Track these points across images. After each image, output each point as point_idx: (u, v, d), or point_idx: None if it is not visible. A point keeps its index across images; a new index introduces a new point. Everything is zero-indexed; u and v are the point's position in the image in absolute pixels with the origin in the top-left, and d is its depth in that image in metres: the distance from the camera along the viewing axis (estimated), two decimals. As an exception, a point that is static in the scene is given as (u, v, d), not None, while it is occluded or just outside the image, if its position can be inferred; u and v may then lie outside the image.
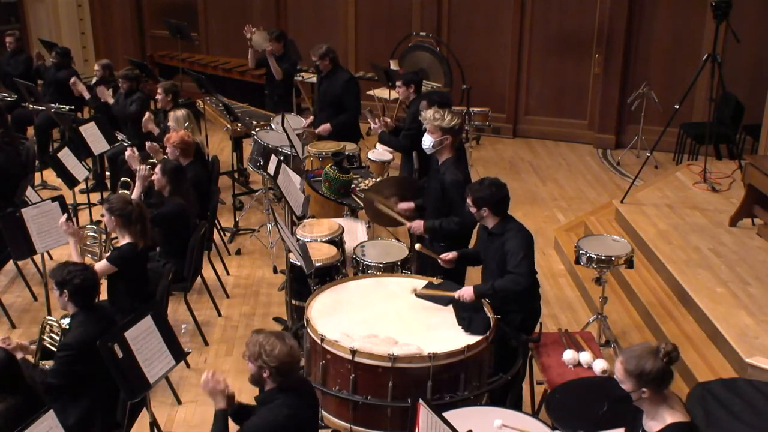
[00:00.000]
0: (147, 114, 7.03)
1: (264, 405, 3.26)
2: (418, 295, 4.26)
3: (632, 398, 2.99)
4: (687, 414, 2.99)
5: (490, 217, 4.27)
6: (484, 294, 4.16)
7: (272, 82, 8.09)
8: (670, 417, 2.95)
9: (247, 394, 4.80)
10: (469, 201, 4.27)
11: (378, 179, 6.01)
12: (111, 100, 7.70)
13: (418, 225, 4.99)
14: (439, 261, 4.50)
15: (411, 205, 5.23)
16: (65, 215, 4.94)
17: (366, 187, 5.80)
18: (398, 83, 6.41)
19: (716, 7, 6.61)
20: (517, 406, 4.20)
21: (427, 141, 4.83)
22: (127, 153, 5.93)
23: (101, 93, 7.74)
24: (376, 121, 6.33)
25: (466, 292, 4.15)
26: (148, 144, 6.40)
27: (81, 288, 3.86)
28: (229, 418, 3.39)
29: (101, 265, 4.61)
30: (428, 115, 4.82)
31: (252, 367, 3.24)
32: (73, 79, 7.97)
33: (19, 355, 3.88)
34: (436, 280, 4.41)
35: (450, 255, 4.48)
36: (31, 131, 8.71)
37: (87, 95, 8.00)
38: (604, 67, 9.47)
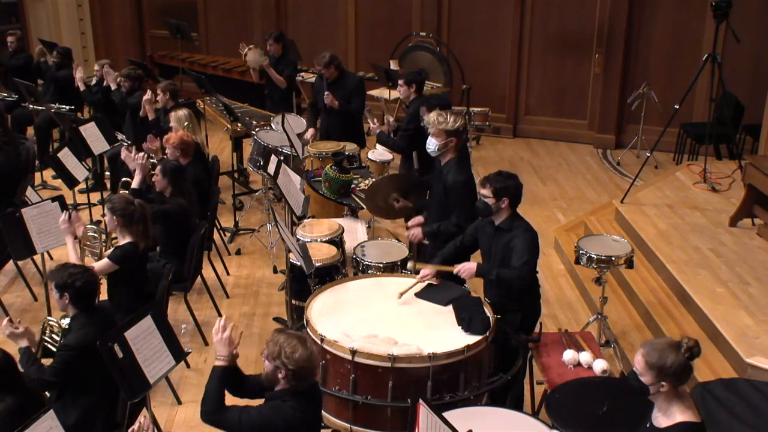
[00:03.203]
0: (148, 93, 7.01)
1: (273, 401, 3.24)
2: (418, 295, 4.27)
3: (649, 391, 2.99)
4: (698, 415, 2.99)
5: (505, 210, 4.27)
6: (485, 275, 4.20)
7: (272, 83, 8.09)
8: (681, 415, 2.96)
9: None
10: (487, 192, 4.24)
11: (379, 177, 5.99)
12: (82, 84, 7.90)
13: (417, 232, 4.99)
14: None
15: (420, 219, 5.18)
16: (65, 214, 4.89)
17: (365, 187, 5.80)
18: (400, 82, 6.40)
19: (716, 7, 6.61)
20: (517, 406, 4.20)
21: (432, 144, 4.81)
22: (123, 153, 5.90)
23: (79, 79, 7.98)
24: (375, 121, 6.33)
25: (468, 268, 4.19)
26: (149, 137, 6.40)
27: (82, 291, 3.85)
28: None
29: (102, 264, 4.61)
30: (431, 118, 4.79)
31: (268, 366, 3.20)
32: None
33: (24, 343, 3.87)
34: (435, 281, 4.41)
35: (427, 273, 4.36)
36: (31, 131, 8.71)
37: (82, 87, 8.02)
38: (604, 67, 9.47)
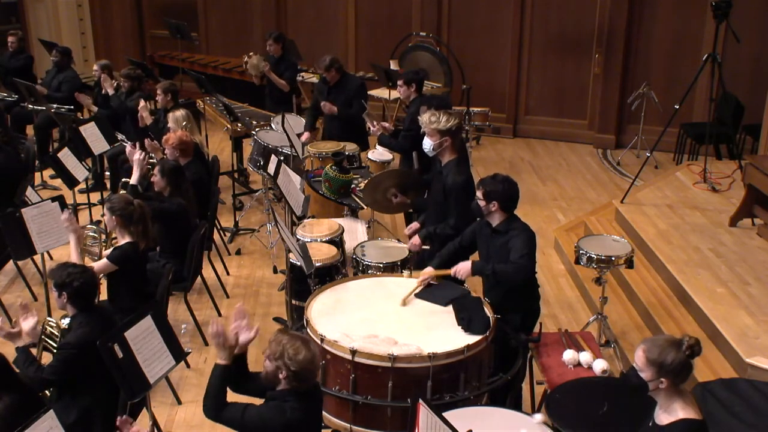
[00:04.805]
0: (142, 102, 7.01)
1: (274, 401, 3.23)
2: (418, 296, 4.27)
3: (649, 387, 3.00)
4: (700, 413, 3.00)
5: (497, 213, 4.26)
6: (481, 272, 4.18)
7: (273, 83, 8.09)
8: (683, 412, 2.97)
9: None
10: (479, 194, 4.26)
11: (379, 172, 5.99)
12: (93, 108, 7.71)
13: (415, 240, 4.99)
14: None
15: (416, 225, 5.19)
16: (68, 211, 4.90)
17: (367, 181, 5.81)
18: (399, 82, 6.39)
19: (716, 7, 6.62)
20: (517, 406, 4.20)
21: (427, 144, 4.83)
22: (128, 149, 5.92)
23: (81, 99, 7.77)
24: (374, 123, 6.32)
25: (463, 267, 4.17)
26: (146, 141, 6.40)
27: (80, 291, 3.84)
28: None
29: (101, 263, 4.61)
30: (424, 119, 4.82)
31: (269, 365, 3.17)
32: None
33: (21, 342, 3.87)
34: (435, 281, 4.41)
35: (426, 275, 4.37)
36: (31, 131, 8.71)
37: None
38: (604, 67, 9.47)
